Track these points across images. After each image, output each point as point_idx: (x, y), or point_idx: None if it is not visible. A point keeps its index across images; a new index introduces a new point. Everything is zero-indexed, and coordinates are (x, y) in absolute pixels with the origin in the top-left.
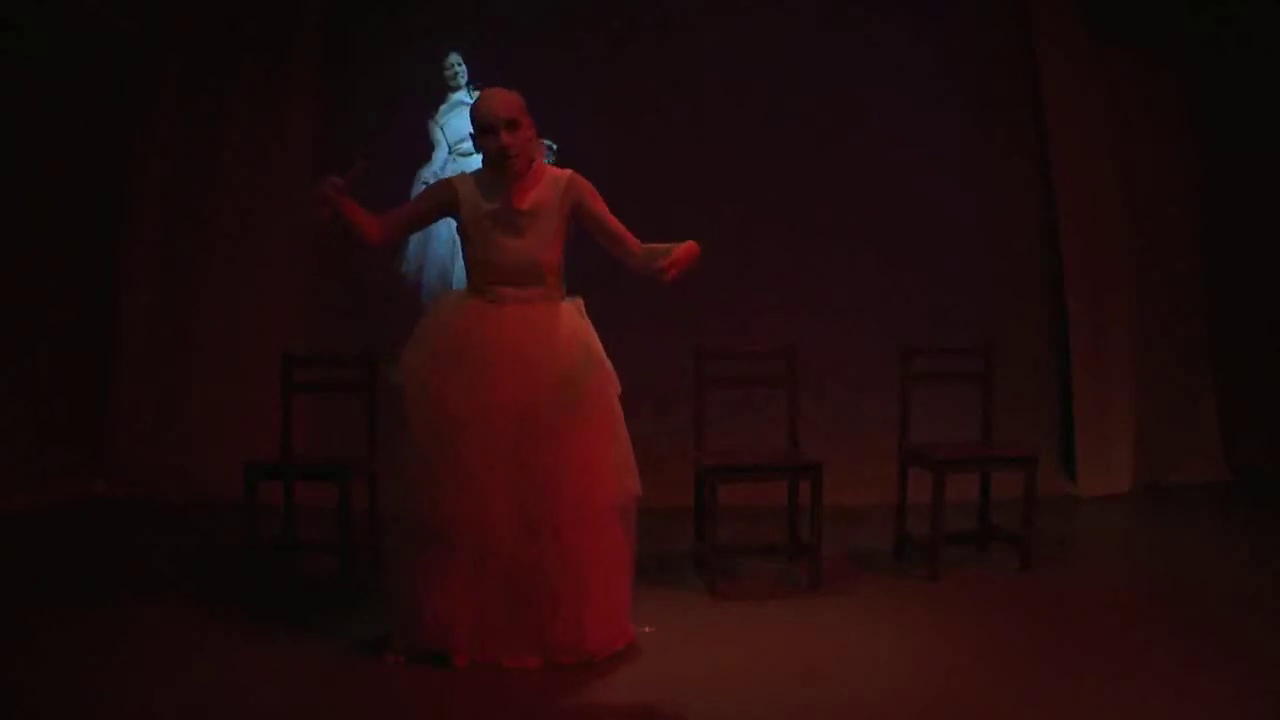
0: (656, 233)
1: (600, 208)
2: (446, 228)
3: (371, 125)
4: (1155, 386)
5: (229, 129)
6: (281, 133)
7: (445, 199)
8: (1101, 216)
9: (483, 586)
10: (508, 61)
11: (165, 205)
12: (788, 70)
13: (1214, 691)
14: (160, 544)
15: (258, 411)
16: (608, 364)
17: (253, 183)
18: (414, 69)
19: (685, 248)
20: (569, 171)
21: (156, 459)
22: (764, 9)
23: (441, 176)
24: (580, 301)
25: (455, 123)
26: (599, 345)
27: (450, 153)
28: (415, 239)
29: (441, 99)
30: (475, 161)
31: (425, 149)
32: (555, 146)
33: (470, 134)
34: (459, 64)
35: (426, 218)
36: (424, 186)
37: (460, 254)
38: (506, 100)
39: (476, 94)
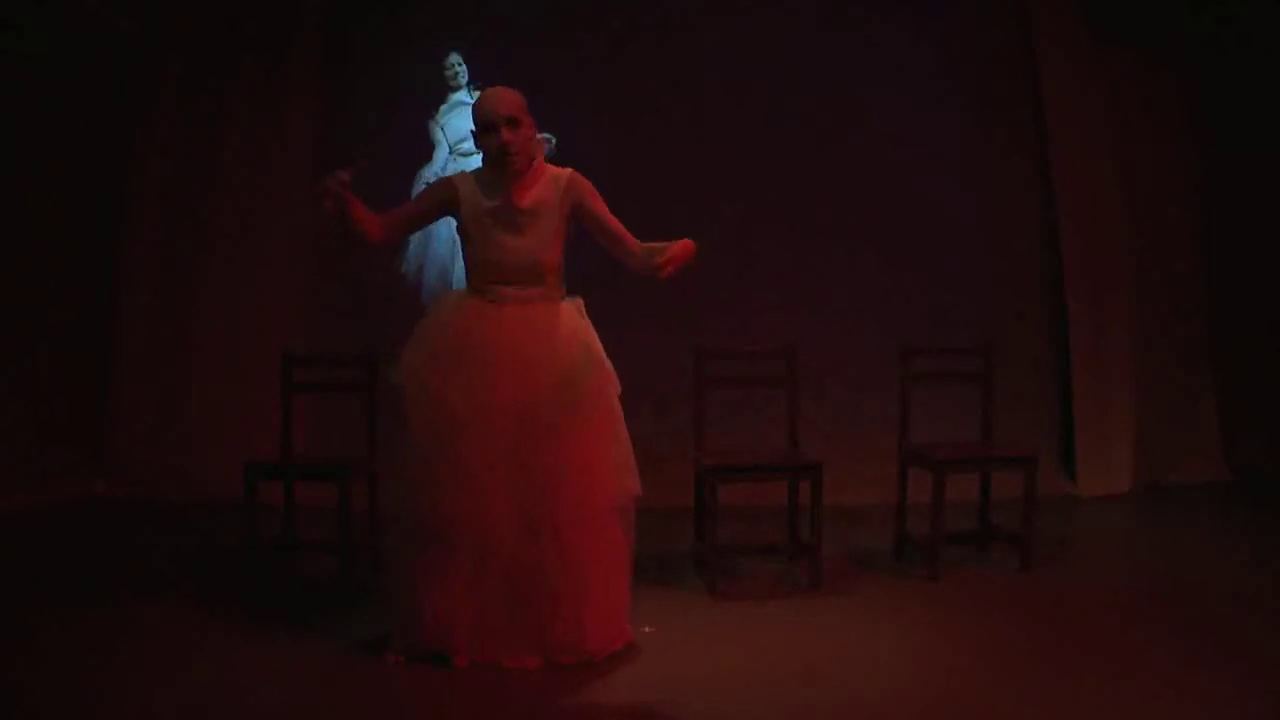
0: (656, 233)
1: (600, 207)
2: (447, 227)
3: (371, 125)
4: (1155, 386)
5: (229, 129)
6: (281, 133)
7: (446, 197)
8: (1101, 216)
9: (483, 586)
10: (508, 61)
11: (165, 205)
12: (788, 70)
13: (1214, 691)
14: (160, 544)
15: (258, 411)
16: (608, 364)
17: (253, 183)
18: (414, 69)
19: (681, 245)
20: (569, 170)
21: (156, 459)
22: (764, 9)
23: (442, 176)
24: (580, 301)
25: (456, 122)
26: (599, 345)
27: (451, 153)
28: (415, 239)
29: (442, 99)
30: (476, 161)
31: (425, 149)
32: (554, 139)
33: (471, 133)
34: (459, 64)
35: (427, 216)
36: (426, 185)
37: (460, 254)
38: (508, 98)
39: (477, 94)
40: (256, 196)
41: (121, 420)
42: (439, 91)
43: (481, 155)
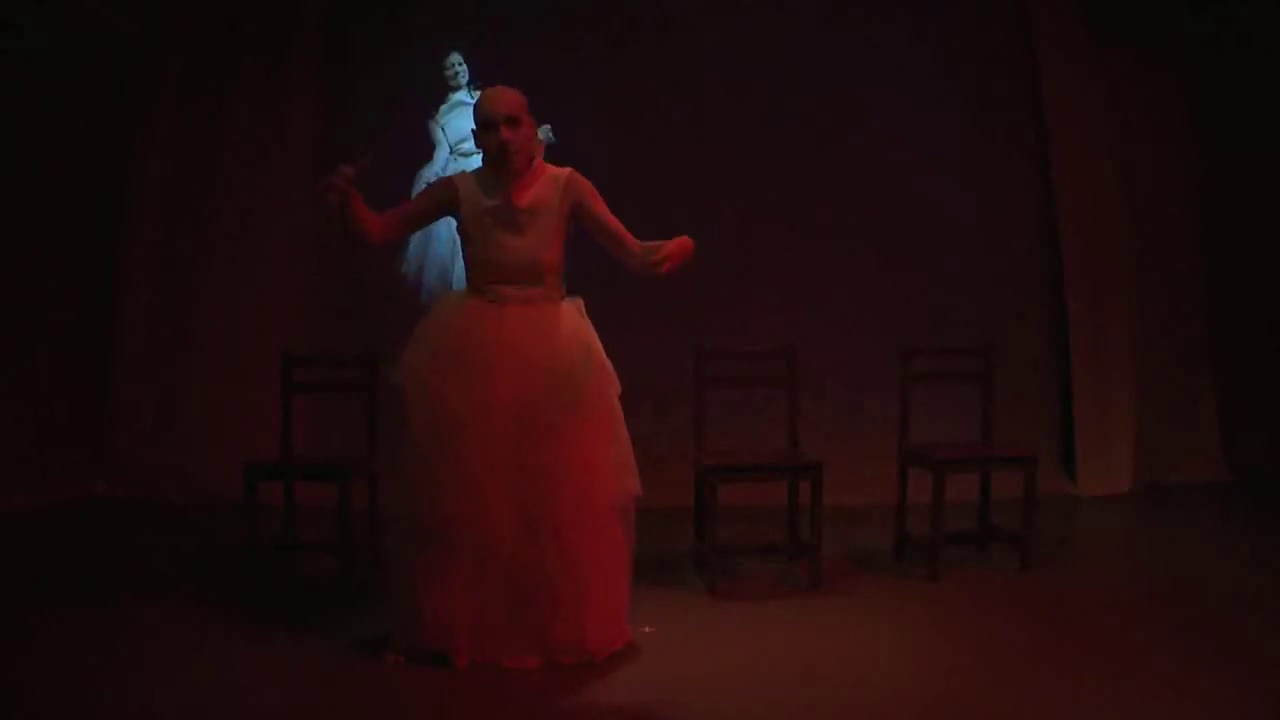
0: (656, 233)
1: (600, 207)
2: (447, 227)
3: (371, 125)
4: (1155, 386)
5: (229, 129)
6: (281, 133)
7: (446, 197)
8: (1101, 216)
9: (483, 586)
10: (508, 61)
11: (165, 205)
12: (788, 70)
13: (1214, 691)
14: (160, 544)
15: (258, 411)
16: (608, 364)
17: (253, 183)
18: (414, 69)
19: (678, 242)
20: (568, 170)
21: (156, 459)
22: (764, 9)
23: (443, 175)
24: (580, 301)
25: (456, 122)
26: (599, 345)
27: (451, 153)
28: (416, 239)
29: (442, 99)
30: (476, 161)
31: (425, 149)
32: (551, 130)
33: (471, 132)
34: (460, 64)
35: (427, 216)
36: (426, 185)
37: (461, 254)
38: (508, 97)
39: (477, 94)
40: (256, 196)
41: (121, 420)
42: (439, 91)
43: (481, 154)
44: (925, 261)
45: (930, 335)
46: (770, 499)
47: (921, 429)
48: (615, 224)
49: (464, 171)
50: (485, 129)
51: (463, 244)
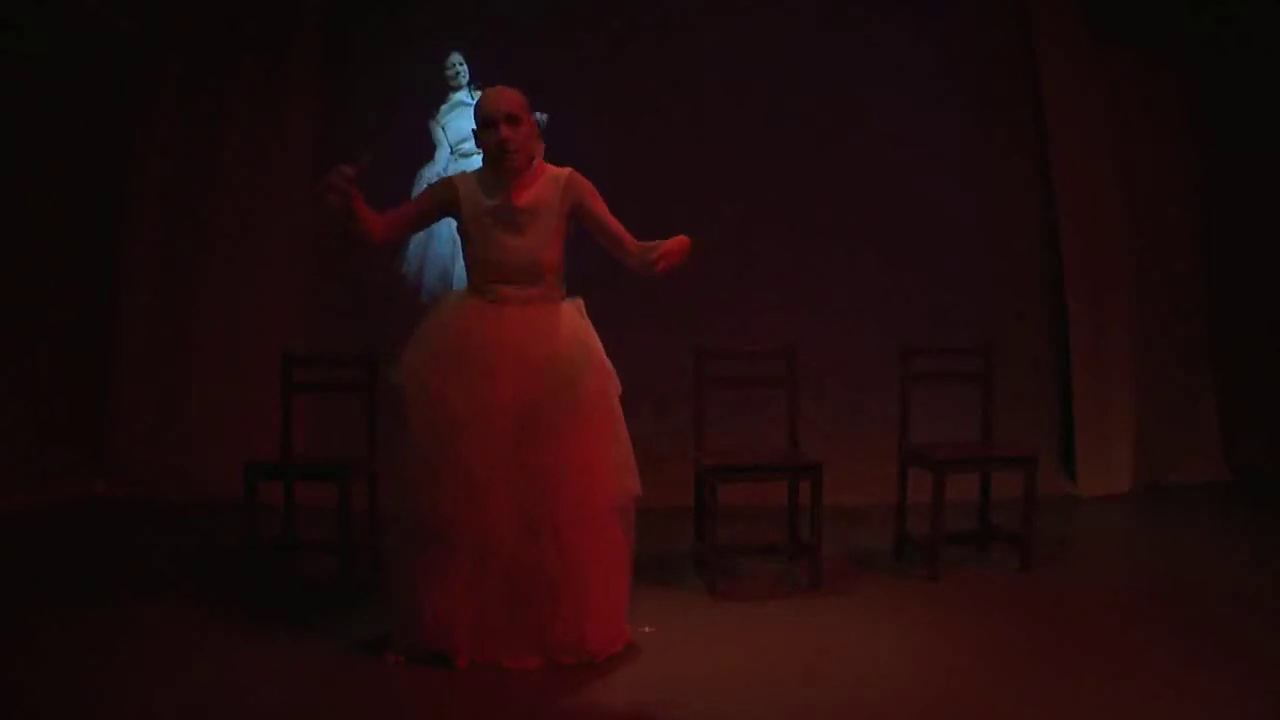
0: (656, 233)
1: (600, 207)
2: (448, 228)
3: (371, 125)
4: (1155, 386)
5: (229, 129)
6: (281, 133)
7: (446, 197)
8: (1101, 216)
9: (483, 586)
10: (508, 61)
11: (165, 205)
12: (788, 70)
13: (1214, 691)
14: (160, 544)
15: (258, 411)
16: (608, 364)
17: (253, 183)
18: (414, 69)
19: (675, 240)
20: (568, 170)
21: (156, 459)
22: (764, 9)
23: (444, 176)
24: (580, 302)
25: (457, 122)
26: (599, 345)
27: (452, 153)
28: (417, 239)
29: (442, 99)
30: (477, 161)
31: (426, 149)
32: (544, 116)
33: (472, 131)
34: (460, 63)
35: (428, 216)
36: (427, 185)
37: (461, 254)
38: (509, 96)
39: (478, 94)
40: (256, 196)
41: (121, 420)
42: (439, 91)
43: (482, 154)
44: (925, 261)
45: (930, 335)
46: (770, 499)
47: (921, 429)
48: (615, 224)
49: (465, 172)
50: (485, 127)
51: (463, 244)
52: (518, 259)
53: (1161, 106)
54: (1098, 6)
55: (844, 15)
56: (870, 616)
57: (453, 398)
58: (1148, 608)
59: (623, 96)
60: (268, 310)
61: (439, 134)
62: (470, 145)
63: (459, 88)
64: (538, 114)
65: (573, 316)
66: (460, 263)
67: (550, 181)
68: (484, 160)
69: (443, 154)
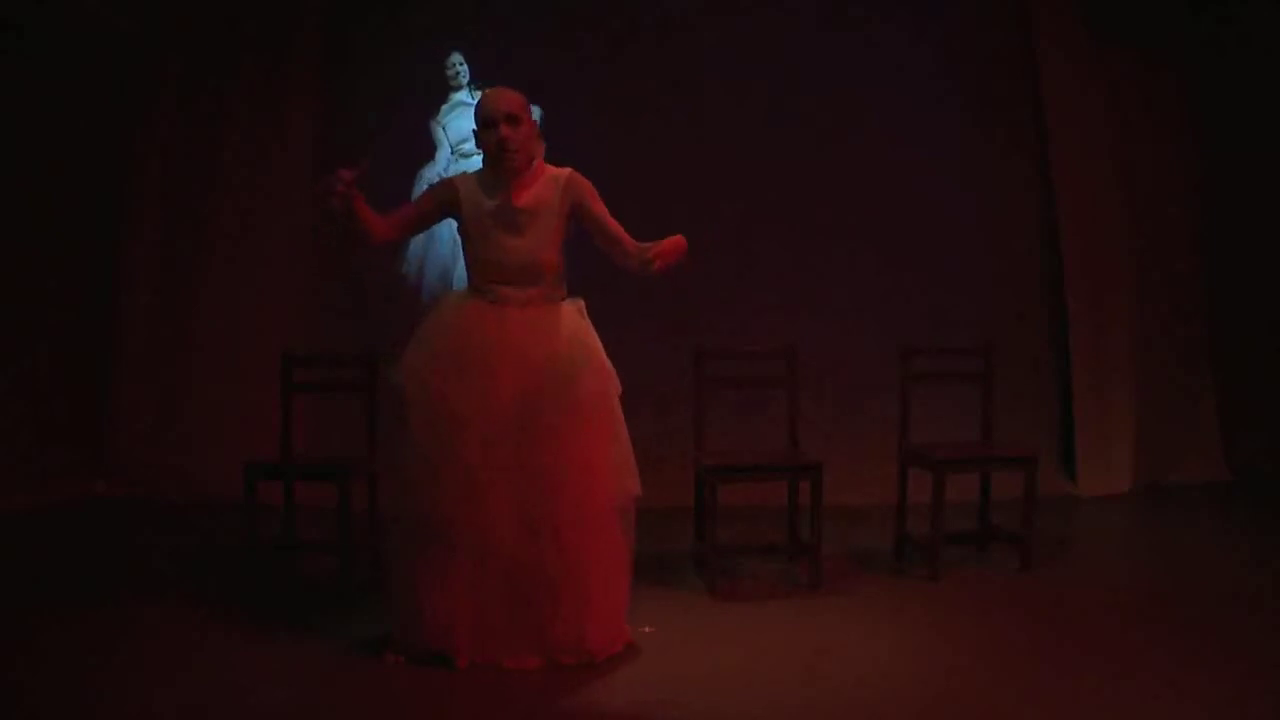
0: (656, 233)
1: (599, 208)
2: (449, 228)
3: (371, 125)
4: (1155, 386)
5: (229, 129)
6: (281, 133)
7: (447, 198)
8: (1101, 216)
9: (483, 587)
10: (508, 61)
11: (165, 205)
12: (788, 70)
13: (1214, 691)
14: (160, 544)
15: (258, 411)
16: (608, 365)
17: (253, 183)
18: (414, 69)
19: (671, 240)
20: (568, 170)
21: (156, 459)
22: (764, 9)
23: (445, 176)
24: (581, 302)
25: (457, 123)
26: (599, 346)
27: (453, 153)
28: (417, 240)
29: (443, 99)
30: (477, 161)
31: (426, 149)
32: (539, 110)
33: (472, 132)
34: (461, 63)
35: (429, 218)
36: (428, 186)
37: (461, 254)
38: (509, 96)
39: (478, 94)
40: (256, 196)
41: (121, 420)
42: (439, 91)
43: (482, 154)
44: (925, 261)
45: (930, 335)
46: (770, 499)
47: (921, 429)
48: (614, 225)
49: (465, 173)
50: (485, 127)
51: (463, 244)
52: (518, 259)
53: (1161, 106)
54: (1098, 6)
55: (844, 15)
56: (870, 616)
57: (453, 398)
58: (1148, 608)
59: (623, 96)
60: (268, 310)
61: (439, 134)
62: (471, 145)
63: (459, 88)
64: (533, 106)
65: (573, 317)
66: (461, 263)
67: (550, 182)
68: (484, 161)
69: (443, 154)
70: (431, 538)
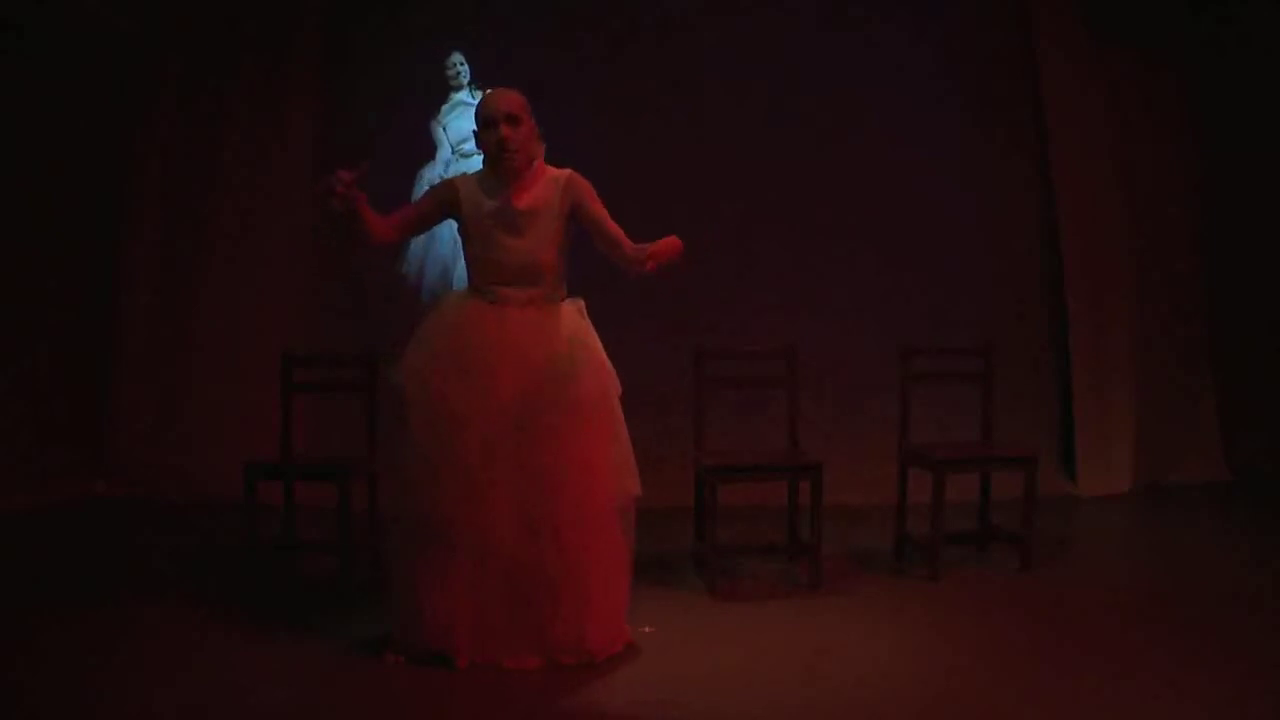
0: (657, 233)
1: (599, 209)
2: (449, 228)
3: (371, 125)
4: (1155, 386)
5: (229, 129)
6: (281, 133)
7: (447, 199)
8: (1101, 216)
9: (483, 587)
10: (508, 61)
11: (165, 205)
12: (788, 70)
13: (1214, 691)
14: (160, 544)
15: (258, 411)
16: (608, 365)
17: (253, 183)
18: (414, 69)
19: (666, 241)
20: (568, 171)
21: (156, 459)
22: (764, 9)
23: (445, 177)
24: (581, 303)
25: (457, 123)
26: (599, 346)
27: (453, 153)
28: (418, 240)
29: (443, 99)
30: (478, 162)
31: (426, 149)
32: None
33: (473, 132)
34: (461, 63)
35: (430, 218)
36: (428, 187)
37: (462, 255)
38: (510, 97)
39: (478, 94)
40: (256, 196)
41: (121, 420)
42: (439, 91)
43: (482, 155)
44: (925, 261)
45: (930, 335)
46: (770, 499)
47: (921, 429)
48: (613, 226)
49: (465, 173)
50: (486, 127)
51: (463, 245)
52: (518, 260)
53: (1161, 106)
54: (1098, 6)
55: (844, 15)
56: (870, 616)
57: (453, 398)
58: (1148, 608)
59: (623, 96)
60: (268, 310)
61: (440, 134)
62: (471, 145)
63: (459, 88)
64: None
65: (573, 317)
66: (461, 263)
67: (550, 183)
68: (484, 161)
69: (443, 154)
70: (431, 538)
